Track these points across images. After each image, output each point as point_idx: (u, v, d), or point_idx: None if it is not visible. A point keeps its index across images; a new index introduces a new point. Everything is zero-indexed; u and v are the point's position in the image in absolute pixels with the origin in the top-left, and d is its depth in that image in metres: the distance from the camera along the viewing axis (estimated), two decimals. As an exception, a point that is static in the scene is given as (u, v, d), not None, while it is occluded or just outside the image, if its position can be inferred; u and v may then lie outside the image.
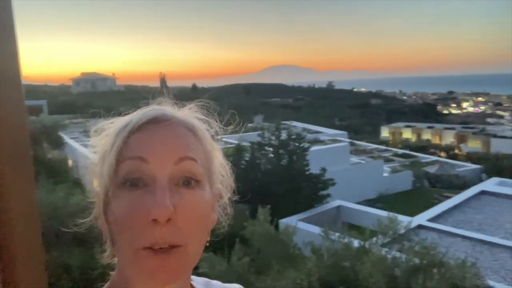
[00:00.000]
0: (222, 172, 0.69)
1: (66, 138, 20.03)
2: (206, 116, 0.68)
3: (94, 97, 52.78)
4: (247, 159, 13.46)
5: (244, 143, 13.81)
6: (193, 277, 0.71)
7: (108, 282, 0.65)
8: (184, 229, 0.55)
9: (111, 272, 0.65)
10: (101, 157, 0.62)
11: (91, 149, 0.65)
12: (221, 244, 5.48)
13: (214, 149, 0.67)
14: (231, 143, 14.64)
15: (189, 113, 0.66)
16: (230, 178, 0.71)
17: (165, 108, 0.64)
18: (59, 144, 16.79)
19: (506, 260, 7.74)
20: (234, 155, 12.89)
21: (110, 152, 0.59)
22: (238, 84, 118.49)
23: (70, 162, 17.23)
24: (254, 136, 14.12)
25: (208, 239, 0.64)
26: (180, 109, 0.66)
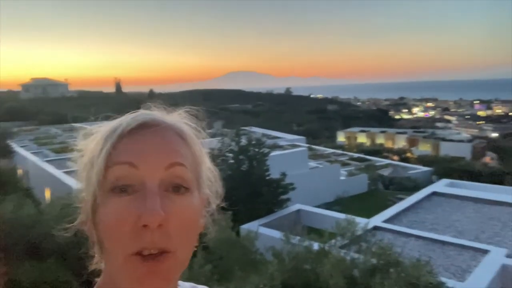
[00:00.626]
0: (209, 177, 0.69)
1: (16, 146, 19.03)
2: (194, 122, 0.68)
3: (45, 103, 50.46)
4: (207, 165, 13.34)
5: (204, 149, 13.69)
6: (179, 282, 0.70)
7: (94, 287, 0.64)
8: (174, 235, 0.55)
9: (96, 279, 0.64)
10: (89, 161, 0.61)
11: (78, 153, 0.64)
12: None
13: (203, 154, 0.67)
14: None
15: (179, 118, 0.66)
16: (218, 183, 0.71)
17: (154, 113, 0.64)
18: (7, 153, 15.94)
19: (456, 257, 8.12)
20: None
21: (98, 157, 0.58)
22: (196, 90, 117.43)
23: (20, 172, 16.38)
24: (213, 142, 14.05)
25: (197, 244, 0.64)
26: (169, 114, 0.66)
